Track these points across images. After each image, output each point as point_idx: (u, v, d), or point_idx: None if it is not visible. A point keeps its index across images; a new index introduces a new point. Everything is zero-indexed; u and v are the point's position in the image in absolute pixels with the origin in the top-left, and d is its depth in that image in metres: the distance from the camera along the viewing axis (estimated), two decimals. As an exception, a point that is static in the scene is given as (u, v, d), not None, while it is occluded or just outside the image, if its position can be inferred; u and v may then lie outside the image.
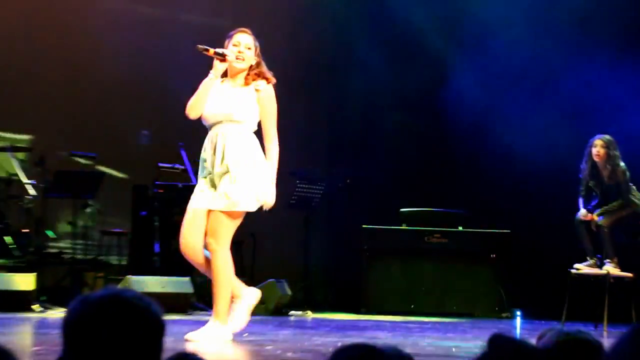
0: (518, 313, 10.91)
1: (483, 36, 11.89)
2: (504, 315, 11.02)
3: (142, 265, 10.90)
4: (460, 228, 11.53)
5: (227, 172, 6.76)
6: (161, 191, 10.94)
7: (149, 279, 9.98)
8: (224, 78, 6.95)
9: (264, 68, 6.92)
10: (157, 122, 12.02)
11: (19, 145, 11.14)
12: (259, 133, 6.94)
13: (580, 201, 9.56)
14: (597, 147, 9.47)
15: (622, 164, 9.47)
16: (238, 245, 12.20)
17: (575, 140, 10.01)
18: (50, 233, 11.35)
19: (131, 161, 12.04)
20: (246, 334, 7.41)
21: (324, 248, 12.39)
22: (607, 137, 9.51)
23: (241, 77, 6.93)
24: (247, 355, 5.87)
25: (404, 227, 11.58)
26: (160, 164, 11.09)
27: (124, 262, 11.51)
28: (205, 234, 6.88)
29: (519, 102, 11.71)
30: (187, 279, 10.19)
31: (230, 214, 6.83)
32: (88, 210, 11.34)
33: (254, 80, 6.90)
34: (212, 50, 6.71)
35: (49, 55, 11.89)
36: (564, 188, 10.16)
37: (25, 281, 9.51)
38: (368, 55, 12.43)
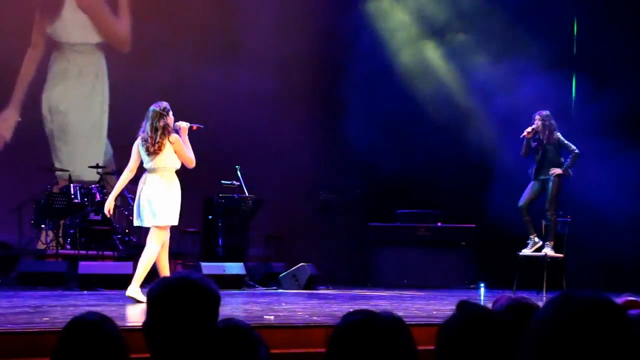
0: (482, 285, 10.84)
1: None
2: (471, 287, 10.94)
3: (209, 255, 10.89)
4: (439, 224, 11.49)
5: None
6: (223, 201, 10.93)
7: (214, 265, 9.96)
8: None
9: None
10: (215, 146, 12.00)
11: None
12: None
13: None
14: (536, 120, 9.32)
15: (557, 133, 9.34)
16: (279, 238, 12.21)
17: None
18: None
19: (201, 178, 12.02)
20: (283, 304, 7.38)
21: (341, 240, 12.34)
22: (545, 112, 9.37)
23: None
24: (283, 318, 5.83)
25: (399, 223, 11.55)
26: (223, 181, 11.09)
27: (196, 252, 11.51)
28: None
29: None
30: (241, 264, 10.16)
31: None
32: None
33: None
34: (195, 127, 7.52)
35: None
36: (513, 192, 10.05)
37: (125, 266, 9.52)
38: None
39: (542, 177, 9.33)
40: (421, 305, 7.53)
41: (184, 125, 7.28)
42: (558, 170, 9.26)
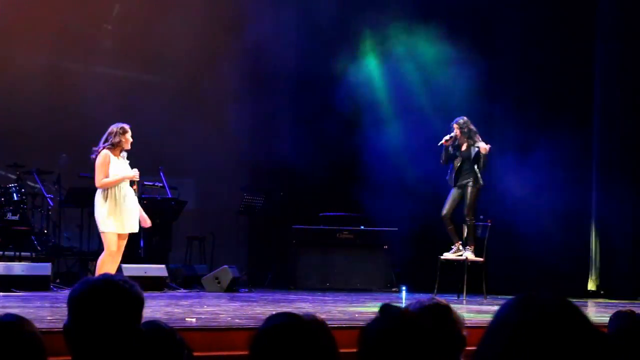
0: (403, 288, 10.96)
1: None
2: (393, 290, 11.06)
3: (130, 256, 10.73)
4: (362, 227, 11.58)
5: None
6: (145, 202, 10.80)
7: (135, 267, 9.84)
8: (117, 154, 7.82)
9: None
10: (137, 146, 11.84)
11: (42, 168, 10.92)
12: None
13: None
14: (455, 127, 9.36)
15: (478, 140, 9.35)
16: (201, 240, 12.14)
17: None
18: (65, 233, 11.18)
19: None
20: (205, 306, 7.34)
21: (264, 242, 12.34)
22: (462, 119, 9.39)
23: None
24: (205, 321, 5.80)
25: (322, 226, 11.60)
26: (145, 182, 10.95)
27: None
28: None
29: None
30: (163, 266, 10.07)
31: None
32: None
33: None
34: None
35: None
36: (435, 197, 10.20)
37: (44, 268, 9.34)
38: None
39: (461, 183, 9.43)
40: (343, 308, 7.58)
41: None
42: (484, 145, 9.23)
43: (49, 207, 10.85)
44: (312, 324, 2.12)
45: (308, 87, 12.18)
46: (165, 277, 9.98)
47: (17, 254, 10.08)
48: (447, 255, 9.47)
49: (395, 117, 11.97)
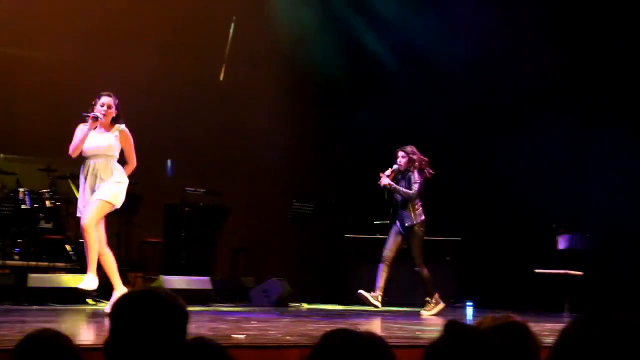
0: (469, 304, 10.89)
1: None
2: (456, 305, 10.98)
3: (171, 267, 10.86)
4: (422, 237, 11.52)
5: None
6: (187, 209, 10.91)
7: (177, 278, 9.93)
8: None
9: (120, 117, 7.69)
10: (178, 150, 12.01)
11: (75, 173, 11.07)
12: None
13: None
14: (400, 157, 9.07)
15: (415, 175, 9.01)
16: (247, 252, 12.22)
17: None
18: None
19: (163, 185, 12.02)
20: (253, 322, 7.38)
21: (315, 253, 12.36)
22: (409, 147, 9.12)
23: (106, 126, 7.64)
24: (254, 338, 5.83)
25: (377, 235, 11.57)
26: (187, 188, 11.08)
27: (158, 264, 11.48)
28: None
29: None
30: (207, 278, 10.14)
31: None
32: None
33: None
34: (91, 116, 7.47)
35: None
36: (504, 204, 10.13)
37: (81, 280, 9.46)
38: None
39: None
40: (403, 325, 7.55)
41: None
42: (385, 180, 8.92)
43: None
44: (372, 342, 2.12)
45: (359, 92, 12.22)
46: (210, 290, 10.05)
47: (51, 264, 10.24)
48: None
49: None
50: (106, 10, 11.81)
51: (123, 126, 7.68)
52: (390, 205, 9.22)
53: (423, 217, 9.21)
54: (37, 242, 10.39)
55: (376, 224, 11.67)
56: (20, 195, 10.47)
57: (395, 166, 9.05)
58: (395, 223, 9.20)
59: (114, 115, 7.65)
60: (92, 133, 7.56)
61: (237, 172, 12.36)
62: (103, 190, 7.49)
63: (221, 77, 12.38)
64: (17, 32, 11.47)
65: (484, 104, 11.66)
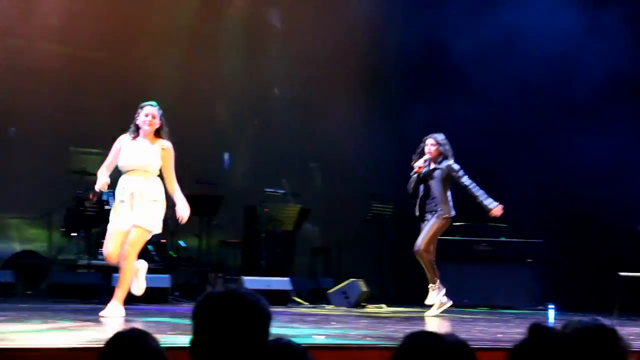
0: (551, 306, 10.72)
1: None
2: (539, 308, 10.83)
3: (251, 268, 10.96)
4: (503, 238, 11.41)
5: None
6: (266, 210, 10.99)
7: (257, 279, 10.01)
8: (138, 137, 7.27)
9: (163, 129, 7.31)
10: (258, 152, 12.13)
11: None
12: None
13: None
14: (429, 146, 8.71)
15: (451, 162, 8.67)
16: (326, 251, 12.25)
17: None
18: (181, 242, 11.48)
19: (243, 186, 12.14)
20: (333, 323, 7.40)
21: (394, 254, 12.32)
22: (440, 136, 8.77)
23: (150, 137, 7.29)
24: (334, 339, 5.84)
25: (457, 237, 11.49)
26: (266, 189, 11.16)
27: (238, 265, 11.59)
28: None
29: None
30: (287, 279, 10.20)
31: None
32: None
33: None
34: None
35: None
36: (588, 204, 9.95)
37: (162, 280, 9.63)
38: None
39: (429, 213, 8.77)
40: (484, 328, 7.48)
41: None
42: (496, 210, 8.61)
43: (167, 216, 11.15)
44: (455, 344, 2.11)
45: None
46: (290, 291, 10.10)
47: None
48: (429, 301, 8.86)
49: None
50: (171, 17, 12.00)
51: (168, 143, 7.29)
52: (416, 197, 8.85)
53: (454, 213, 8.92)
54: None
55: (456, 225, 11.59)
56: (104, 197, 10.69)
57: (427, 155, 8.73)
58: (424, 218, 8.86)
59: (157, 126, 7.28)
60: (133, 146, 7.24)
61: (316, 172, 12.41)
62: (141, 215, 7.14)
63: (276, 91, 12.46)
64: (87, 35, 11.71)
65: (567, 101, 11.49)
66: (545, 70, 11.54)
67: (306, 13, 12.55)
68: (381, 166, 12.49)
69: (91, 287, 9.54)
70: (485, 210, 8.61)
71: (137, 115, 7.29)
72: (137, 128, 7.26)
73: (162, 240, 11.12)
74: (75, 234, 10.72)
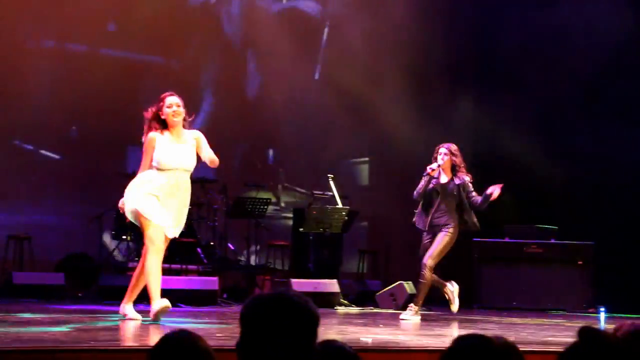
0: (602, 309, 10.57)
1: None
2: (589, 311, 10.71)
3: (299, 270, 10.98)
4: (553, 240, 11.31)
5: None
6: (315, 213, 11.00)
7: (305, 281, 10.03)
8: (164, 131, 6.79)
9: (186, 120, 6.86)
10: (305, 155, 12.15)
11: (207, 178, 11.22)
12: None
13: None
14: (443, 154, 8.38)
15: (468, 178, 8.39)
16: (374, 253, 12.23)
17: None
18: (230, 245, 11.57)
19: (292, 189, 12.19)
20: (381, 325, 7.38)
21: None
22: (454, 145, 8.46)
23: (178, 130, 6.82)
24: (382, 341, 5.84)
25: (507, 239, 11.41)
26: (315, 192, 11.18)
27: (286, 268, 11.62)
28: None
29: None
30: (334, 281, 10.21)
31: None
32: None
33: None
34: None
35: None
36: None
37: (211, 282, 9.69)
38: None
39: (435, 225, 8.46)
40: (533, 331, 7.43)
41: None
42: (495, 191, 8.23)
43: (215, 218, 11.25)
44: (504, 347, 2.10)
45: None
46: (337, 293, 10.11)
47: (184, 267, 10.51)
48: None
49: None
50: (216, 22, 12.13)
51: (197, 132, 6.89)
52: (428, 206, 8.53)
53: (476, 227, 8.68)
54: (170, 244, 10.66)
55: (506, 228, 11.51)
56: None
57: (440, 162, 8.40)
58: (429, 229, 8.59)
59: (184, 115, 6.82)
60: (171, 143, 6.76)
61: (364, 175, 12.40)
62: (182, 226, 7.09)
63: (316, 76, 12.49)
64: (139, 40, 11.87)
65: (619, 101, 11.35)
66: (595, 68, 11.40)
67: (353, 14, 12.57)
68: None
69: (143, 290, 9.61)
70: (487, 199, 8.36)
71: (154, 109, 6.76)
72: (162, 121, 6.75)
73: (211, 243, 11.22)
74: (126, 237, 10.83)
